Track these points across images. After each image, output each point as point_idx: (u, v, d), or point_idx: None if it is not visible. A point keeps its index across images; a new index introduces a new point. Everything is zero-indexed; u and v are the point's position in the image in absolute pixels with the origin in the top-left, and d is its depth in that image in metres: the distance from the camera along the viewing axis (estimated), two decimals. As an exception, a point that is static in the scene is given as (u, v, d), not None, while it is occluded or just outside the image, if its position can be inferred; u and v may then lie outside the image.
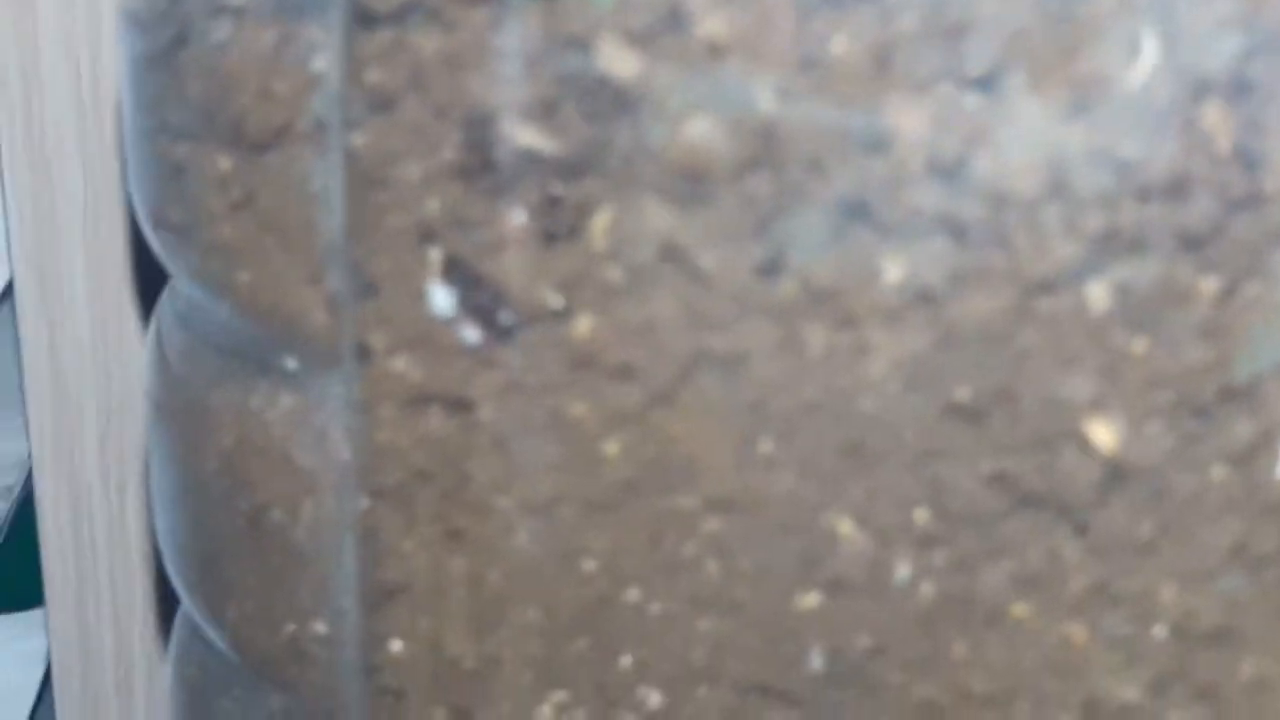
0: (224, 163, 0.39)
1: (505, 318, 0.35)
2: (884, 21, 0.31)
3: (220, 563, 0.45)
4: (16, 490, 0.91)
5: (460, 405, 0.37)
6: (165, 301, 0.49)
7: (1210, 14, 0.29)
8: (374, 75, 0.35)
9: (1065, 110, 0.30)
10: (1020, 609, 0.34)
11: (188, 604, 0.49)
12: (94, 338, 0.79)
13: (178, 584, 0.49)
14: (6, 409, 0.96)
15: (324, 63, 0.37)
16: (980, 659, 0.35)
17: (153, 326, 0.50)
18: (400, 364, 0.37)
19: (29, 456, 0.81)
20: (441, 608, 0.39)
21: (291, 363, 0.41)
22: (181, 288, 0.44)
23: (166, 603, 0.82)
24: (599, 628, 0.38)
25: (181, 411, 0.46)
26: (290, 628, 0.43)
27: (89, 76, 0.75)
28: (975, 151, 0.31)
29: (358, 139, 0.36)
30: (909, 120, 0.31)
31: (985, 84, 0.30)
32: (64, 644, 0.83)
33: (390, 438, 0.38)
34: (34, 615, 0.93)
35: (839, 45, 0.31)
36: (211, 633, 0.47)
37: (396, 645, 0.40)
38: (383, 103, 0.35)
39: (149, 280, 0.78)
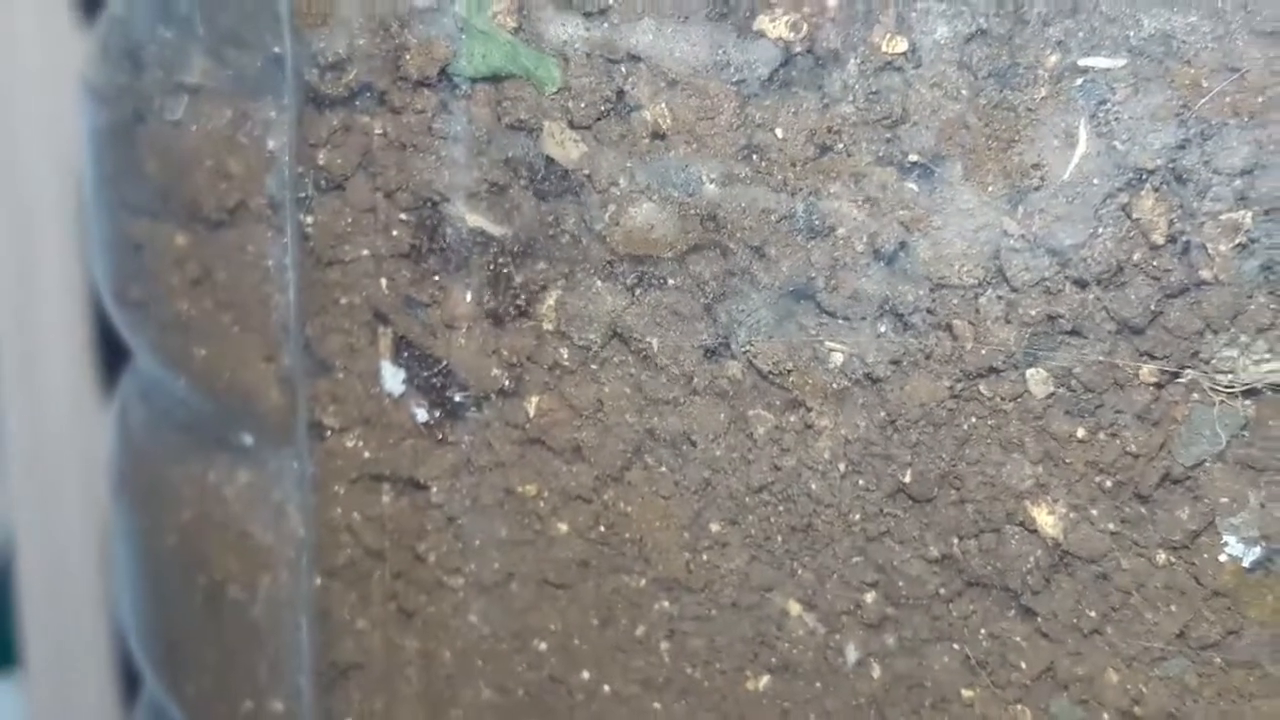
0: (180, 239, 0.39)
1: (455, 396, 0.35)
2: (823, 109, 0.31)
3: (179, 639, 0.45)
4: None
5: (411, 484, 0.37)
6: (127, 378, 0.49)
7: (1144, 106, 0.29)
8: (324, 157, 0.35)
9: (1002, 198, 0.30)
10: (969, 692, 0.34)
11: (150, 679, 0.48)
12: (77, 399, 0.79)
13: (140, 659, 0.49)
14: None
15: (278, 142, 0.37)
16: (929, 743, 0.35)
17: (116, 402, 0.50)
18: (351, 442, 0.37)
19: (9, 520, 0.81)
20: (394, 687, 0.39)
21: (248, 438, 0.41)
22: (142, 364, 0.45)
23: (129, 692, 0.82)
24: (551, 708, 0.37)
25: (143, 486, 0.46)
26: (248, 705, 0.43)
27: (70, 134, 0.75)
28: (915, 238, 0.31)
29: (309, 219, 0.36)
30: (849, 207, 0.31)
31: (924, 172, 0.31)
32: (42, 709, 0.82)
33: (342, 516, 0.38)
34: (9, 680, 0.92)
35: (779, 132, 0.31)
36: (173, 710, 0.47)
37: (351, 724, 0.40)
38: (333, 184, 0.35)
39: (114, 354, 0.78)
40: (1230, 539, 0.31)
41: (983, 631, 0.33)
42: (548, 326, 0.34)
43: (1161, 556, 0.31)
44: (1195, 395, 0.30)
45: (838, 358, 0.32)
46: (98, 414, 0.79)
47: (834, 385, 0.32)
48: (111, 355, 0.77)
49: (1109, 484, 0.31)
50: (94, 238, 0.44)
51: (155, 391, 0.44)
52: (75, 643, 0.83)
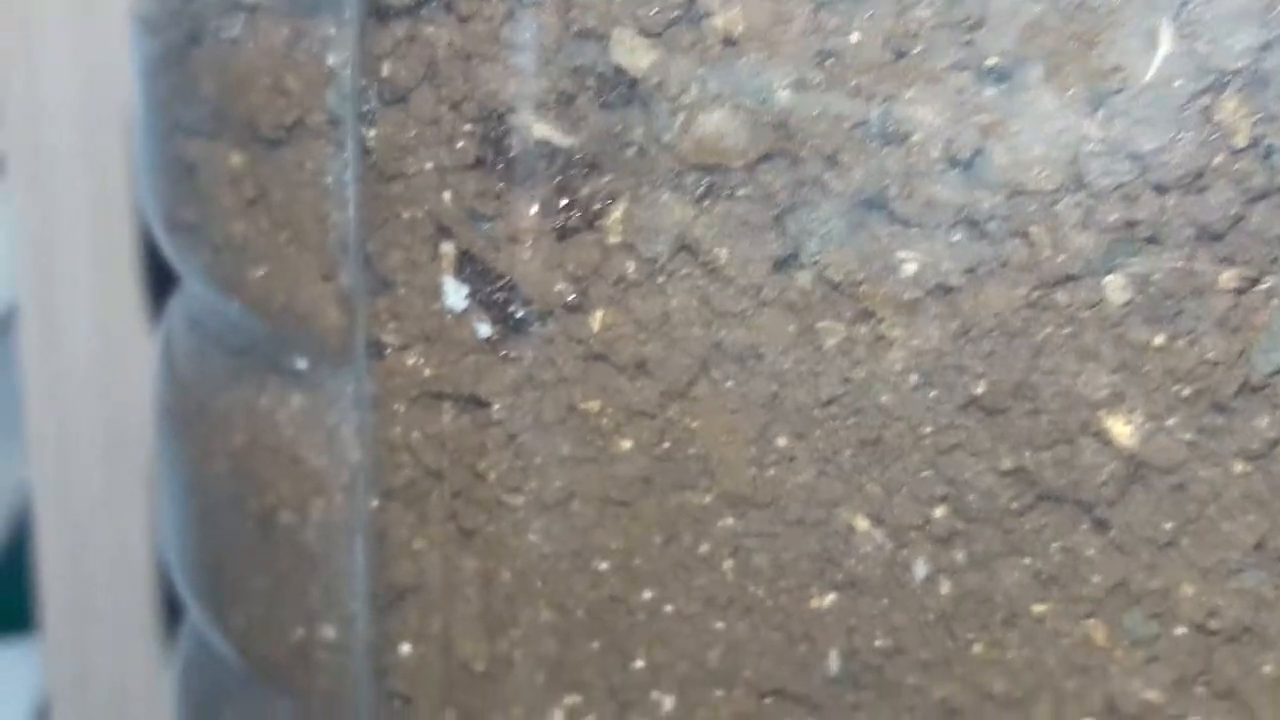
0: (236, 159, 0.39)
1: (518, 312, 0.35)
2: (900, 13, 0.30)
3: (228, 568, 0.45)
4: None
5: (472, 401, 0.37)
6: (174, 307, 0.49)
7: (1228, 6, 0.29)
8: (388, 68, 0.35)
9: (1082, 102, 0.30)
10: (1040, 607, 0.34)
11: (195, 613, 0.48)
12: (96, 360, 0.79)
13: (185, 593, 0.49)
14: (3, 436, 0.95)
15: (338, 57, 0.36)
16: (999, 658, 0.34)
17: (161, 334, 0.49)
18: (412, 360, 0.37)
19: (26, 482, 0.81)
20: (452, 608, 0.39)
21: (302, 362, 0.41)
22: (192, 289, 0.44)
23: (170, 628, 0.82)
24: (612, 629, 0.37)
25: (191, 415, 0.45)
26: (299, 632, 0.43)
27: (92, 102, 0.75)
28: (992, 144, 0.31)
29: (371, 133, 0.35)
30: (925, 112, 0.31)
31: (1002, 76, 0.30)
32: (60, 674, 0.82)
33: (401, 435, 0.38)
34: (26, 644, 0.92)
35: (854, 37, 0.31)
36: (219, 641, 0.47)
37: (406, 648, 0.40)
38: (396, 96, 0.35)
39: (157, 293, 0.78)
40: (1311, 446, 0.30)
41: (1055, 545, 0.33)
42: (613, 239, 0.34)
43: (1239, 466, 0.31)
44: (1275, 301, 0.30)
45: (910, 267, 0.32)
46: (121, 366, 0.79)
47: (906, 295, 0.32)
48: (143, 302, 0.77)
49: (1186, 392, 0.31)
50: (144, 166, 0.44)
51: (205, 318, 0.44)
52: (93, 605, 0.83)
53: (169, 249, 0.44)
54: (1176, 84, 0.29)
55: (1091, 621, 0.33)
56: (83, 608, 0.83)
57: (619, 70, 0.33)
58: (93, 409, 0.80)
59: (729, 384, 0.34)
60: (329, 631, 0.42)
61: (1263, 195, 0.30)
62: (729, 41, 0.31)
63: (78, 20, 0.75)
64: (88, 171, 0.76)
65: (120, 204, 0.77)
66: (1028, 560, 0.33)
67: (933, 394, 0.33)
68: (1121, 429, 0.32)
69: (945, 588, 0.34)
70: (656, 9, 0.32)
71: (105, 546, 0.82)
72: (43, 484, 0.81)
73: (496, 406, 0.36)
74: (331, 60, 0.36)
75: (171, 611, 0.79)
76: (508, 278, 0.35)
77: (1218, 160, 0.30)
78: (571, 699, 0.38)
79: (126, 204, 0.76)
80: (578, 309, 0.35)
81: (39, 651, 0.82)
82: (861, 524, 0.34)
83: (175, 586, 0.50)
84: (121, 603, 0.83)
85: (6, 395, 0.90)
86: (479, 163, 0.34)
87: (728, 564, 0.36)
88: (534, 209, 0.34)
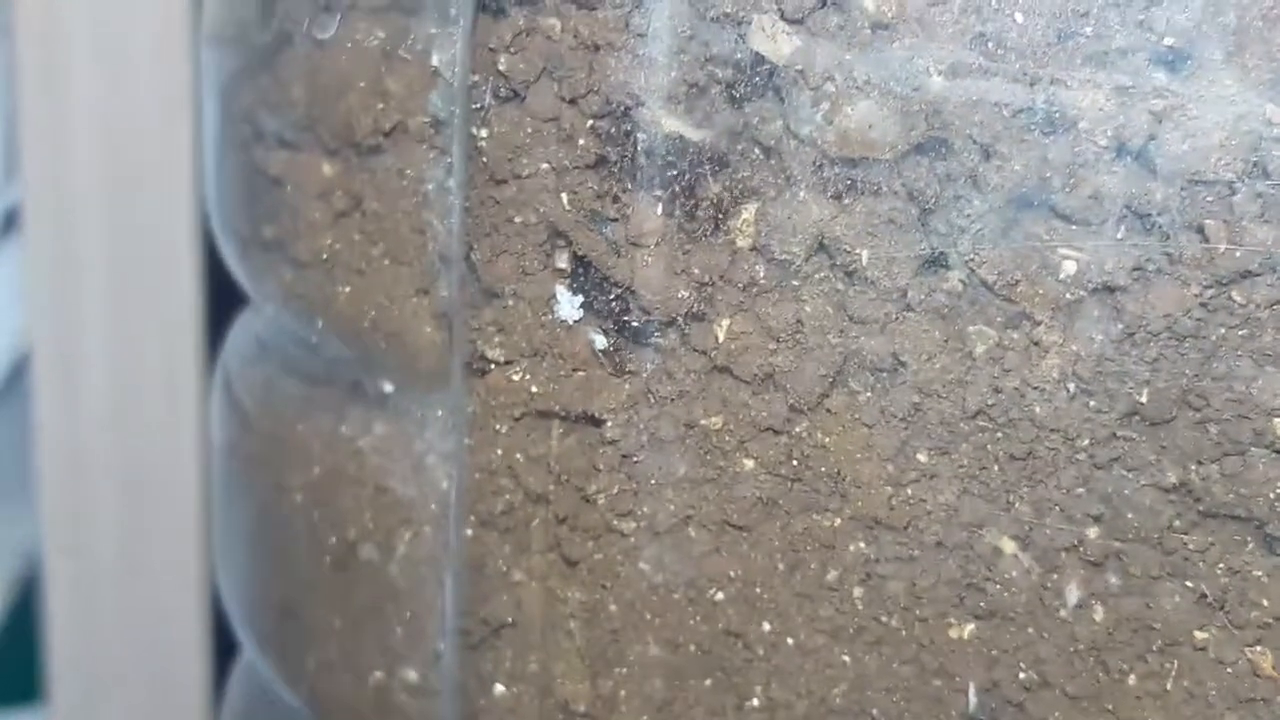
0: (327, 169, 0.37)
1: (636, 322, 0.33)
2: (1068, -10, 0.29)
3: (301, 608, 0.42)
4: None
5: (583, 419, 0.34)
6: (234, 341, 0.47)
7: None
8: (504, 63, 0.33)
9: (1265, 85, 0.28)
10: (1201, 634, 0.31)
11: (258, 660, 0.46)
12: (114, 413, 0.77)
13: (247, 641, 0.46)
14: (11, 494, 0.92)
15: (443, 56, 0.35)
16: (1156, 691, 0.32)
17: (218, 374, 0.47)
18: (518, 376, 0.35)
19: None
20: (552, 645, 0.36)
21: (389, 385, 0.38)
22: (267, 313, 0.42)
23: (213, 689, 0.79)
24: (727, 665, 0.35)
25: (259, 449, 0.43)
26: (378, 675, 0.40)
27: (114, 153, 0.73)
28: (1166, 130, 0.29)
29: (483, 133, 0.33)
30: (1094, 97, 0.29)
31: (1179, 57, 0.28)
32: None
33: (502, 458, 0.36)
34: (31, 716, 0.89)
35: (1018, 17, 0.29)
36: (285, 689, 0.44)
37: (500, 689, 0.37)
38: (512, 92, 0.33)
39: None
40: None
41: (1220, 567, 0.31)
42: (743, 242, 0.32)
43: None
44: None
45: (1071, 266, 0.30)
46: (139, 418, 0.76)
47: (1066, 296, 0.30)
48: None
49: (1374, 396, 0.29)
50: (218, 187, 0.42)
51: (279, 344, 0.42)
52: (103, 674, 0.80)
53: (243, 271, 0.42)
54: (1365, 65, 0.28)
55: (1258, 649, 0.31)
56: (92, 675, 0.80)
57: (758, 58, 0.31)
58: (109, 461, 0.77)
59: (866, 396, 0.32)
60: (411, 674, 0.39)
61: None
62: (879, 25, 0.30)
63: (100, 69, 0.73)
64: (108, 222, 0.74)
65: (141, 258, 0.75)
66: (1189, 583, 0.31)
67: (1091, 403, 0.31)
68: (1298, 438, 0.30)
69: (1098, 614, 0.32)
70: (801, -8, 0.30)
71: (117, 612, 0.80)
72: (54, 545, 0.78)
73: (609, 424, 0.34)
74: (436, 59, 0.35)
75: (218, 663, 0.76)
76: (626, 285, 0.33)
77: None
78: (680, 742, 0.36)
79: (149, 253, 0.74)
80: (701, 317, 0.33)
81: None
82: (1008, 546, 0.32)
83: (220, 644, 0.47)
84: (130, 671, 0.80)
85: (7, 455, 0.87)
86: (600, 162, 0.32)
87: (858, 592, 0.33)
88: (658, 210, 0.32)
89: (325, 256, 0.38)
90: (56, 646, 0.80)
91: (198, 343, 0.75)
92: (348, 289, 0.38)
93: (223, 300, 0.49)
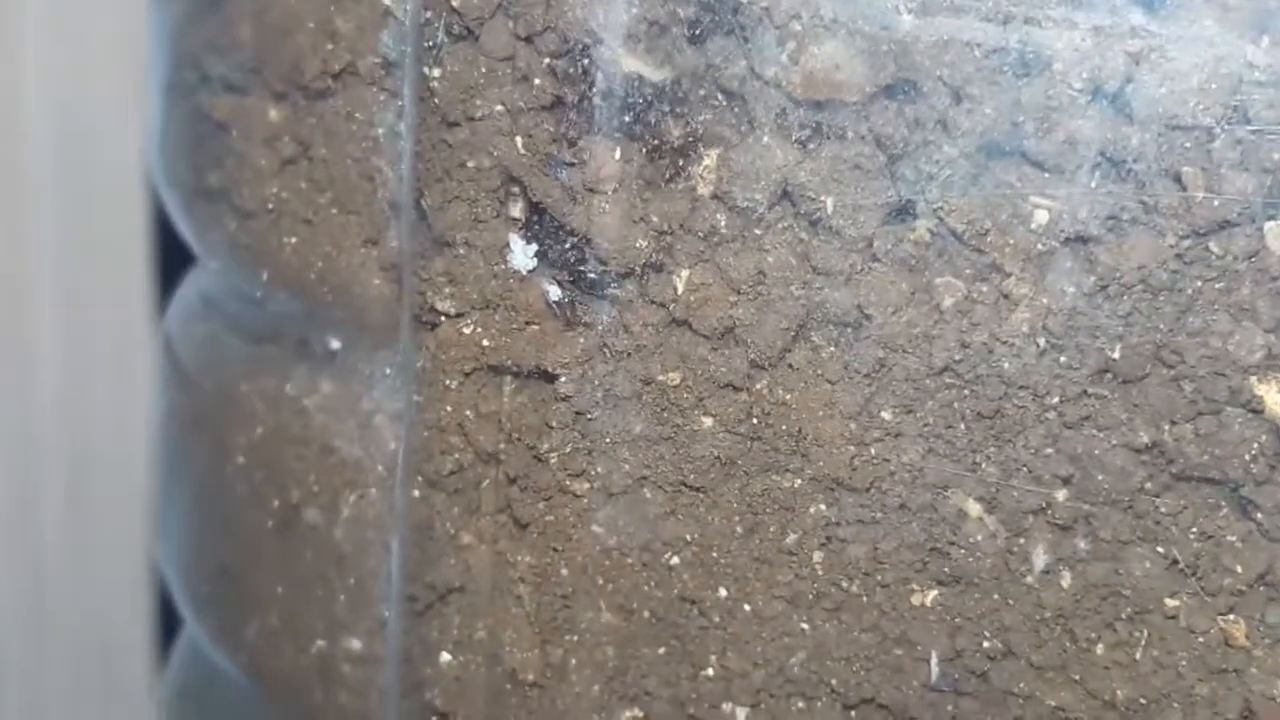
0: (274, 114, 0.36)
1: (592, 272, 0.32)
2: (1045, -75, 0.28)
3: (241, 574, 0.41)
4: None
5: (536, 375, 0.33)
6: (177, 301, 0.45)
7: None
8: (457, 0, 0.31)
9: (1247, 24, 0.27)
10: (1172, 602, 0.30)
11: (196, 629, 0.44)
12: (64, 390, 0.75)
13: (186, 608, 0.45)
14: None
15: (396, -6, 0.33)
16: (1124, 660, 0.31)
17: (163, 328, 0.46)
18: (469, 329, 0.33)
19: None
20: (501, 611, 0.35)
21: (336, 341, 0.37)
22: (211, 268, 0.41)
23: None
24: (681, 632, 0.34)
25: (201, 409, 0.42)
26: (320, 644, 0.39)
27: (67, 134, 0.72)
28: (1143, 73, 0.28)
29: (435, 73, 0.32)
30: (1070, 37, 0.28)
31: (1158, -5, 0.27)
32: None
33: (452, 416, 0.34)
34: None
35: (993, -48, 0.28)
36: (224, 658, 0.43)
37: (446, 657, 0.36)
38: (466, 30, 0.32)
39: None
40: None
41: (1193, 531, 0.30)
42: (704, 189, 0.31)
43: None
44: None
45: (1043, 215, 0.29)
46: (90, 395, 0.74)
47: (1037, 247, 0.29)
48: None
49: (1355, 353, 0.28)
50: (162, 136, 0.41)
51: (223, 300, 0.40)
52: (46, 648, 0.79)
53: (188, 225, 0.40)
54: (1352, 8, 0.27)
55: (1230, 617, 0.30)
56: (37, 650, 0.79)
57: (721, -5, 0.29)
58: (59, 445, 0.76)
59: (829, 350, 0.31)
60: (353, 642, 0.38)
61: None
62: (848, -40, 0.28)
63: (52, 36, 0.71)
64: (63, 195, 0.73)
65: (95, 229, 0.73)
66: (1161, 549, 0.30)
67: (1061, 359, 0.29)
68: (1275, 397, 0.29)
69: (1065, 580, 0.31)
70: (767, -75, 0.29)
71: (65, 583, 0.78)
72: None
73: (563, 379, 0.33)
74: (388, -2, 0.33)
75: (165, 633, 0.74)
76: (582, 233, 0.32)
77: (1394, 94, 0.27)
78: (632, 712, 0.34)
79: (100, 234, 0.73)
80: (660, 268, 0.31)
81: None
82: (973, 509, 0.31)
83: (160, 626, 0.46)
84: (82, 644, 0.79)
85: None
86: (557, 103, 0.31)
87: (817, 556, 0.32)
88: (616, 155, 0.31)
89: (271, 205, 0.36)
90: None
91: (149, 315, 0.74)
92: (294, 239, 0.36)
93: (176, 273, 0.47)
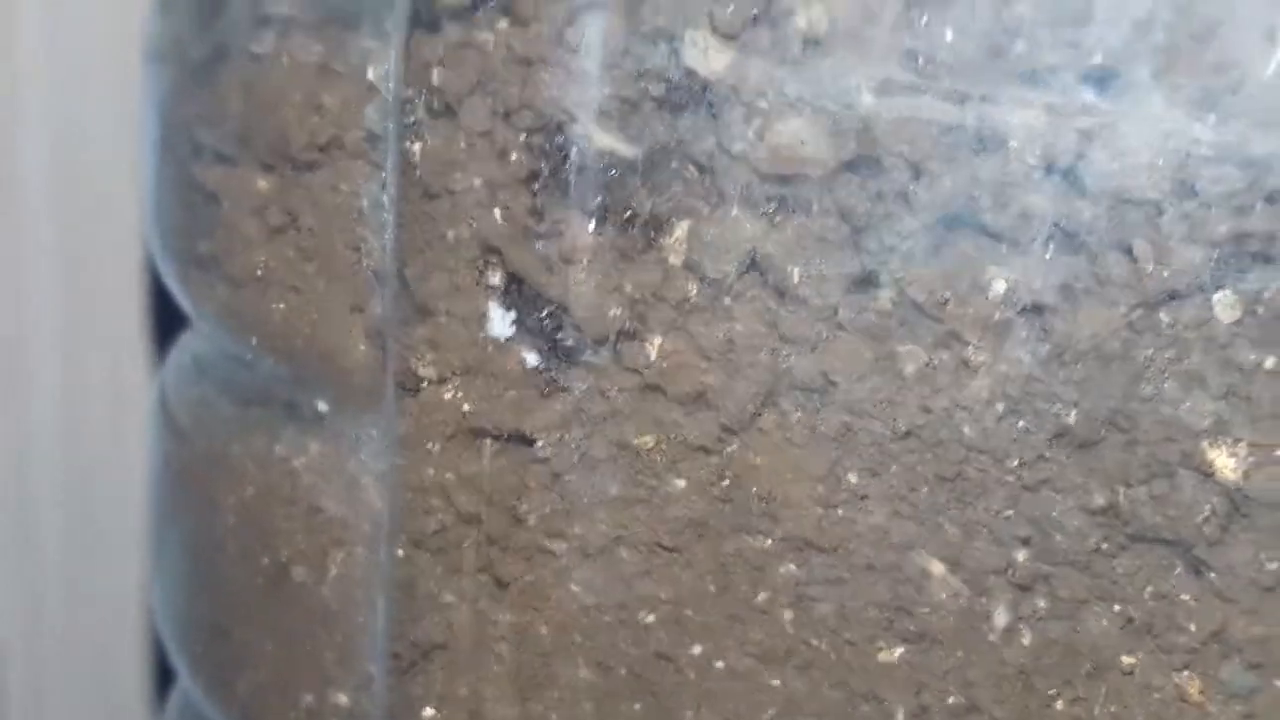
0: (263, 184, 0.37)
1: (569, 340, 0.33)
2: (998, 9, 0.29)
3: (232, 630, 0.42)
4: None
5: (515, 438, 0.34)
6: (172, 360, 0.46)
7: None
8: (438, 77, 0.33)
9: (1193, 103, 0.28)
10: (1129, 659, 0.31)
11: (190, 683, 0.45)
12: (63, 423, 0.76)
13: (179, 662, 0.46)
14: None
15: (378, 70, 0.34)
16: (1084, 715, 0.32)
17: (156, 392, 0.47)
18: (450, 394, 0.34)
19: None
20: (482, 668, 0.36)
21: (323, 404, 0.38)
22: (202, 331, 0.42)
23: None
24: (656, 688, 0.35)
25: (193, 469, 0.43)
26: (309, 699, 0.40)
27: (65, 139, 0.72)
28: (1094, 149, 0.29)
29: (416, 147, 0.33)
30: (1024, 115, 0.29)
31: (1107, 76, 0.29)
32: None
33: (434, 477, 0.35)
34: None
35: (948, 34, 0.29)
36: (217, 712, 0.44)
37: (429, 712, 0.37)
38: (446, 107, 0.33)
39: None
40: None
41: (1148, 590, 0.31)
42: (675, 259, 0.32)
43: (1356, 500, 0.29)
44: (1398, 320, 0.28)
45: (1000, 285, 0.30)
46: (85, 427, 0.75)
47: (995, 316, 0.30)
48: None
49: (1300, 419, 0.29)
50: (156, 202, 0.42)
51: (215, 363, 0.42)
52: (43, 689, 0.79)
53: (180, 289, 0.41)
54: (1292, 87, 0.28)
55: (1185, 674, 0.31)
56: (33, 690, 0.79)
57: (690, 74, 0.31)
58: (55, 475, 0.77)
59: (797, 416, 0.32)
60: (340, 697, 0.39)
61: (1382, 207, 0.28)
62: (811, 42, 0.30)
63: (52, 78, 0.72)
64: (61, 225, 0.74)
65: (92, 258, 0.74)
66: (1117, 607, 0.31)
67: (1020, 424, 0.30)
68: (1225, 461, 0.29)
69: (1026, 638, 0.32)
70: (733, 7, 0.30)
71: (64, 625, 0.79)
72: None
73: (540, 443, 0.34)
74: (372, 74, 0.34)
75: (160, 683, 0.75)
76: (559, 302, 0.33)
77: (1334, 170, 0.28)
78: (610, 767, 0.35)
79: (100, 264, 0.74)
80: (634, 336, 0.33)
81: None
82: (936, 569, 0.32)
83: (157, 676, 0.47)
84: (78, 686, 0.79)
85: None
86: (533, 177, 0.32)
87: (787, 615, 0.33)
88: (591, 226, 0.32)
89: (260, 273, 0.37)
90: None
91: (146, 359, 0.75)
92: (282, 306, 0.37)
93: (173, 326, 0.48)
